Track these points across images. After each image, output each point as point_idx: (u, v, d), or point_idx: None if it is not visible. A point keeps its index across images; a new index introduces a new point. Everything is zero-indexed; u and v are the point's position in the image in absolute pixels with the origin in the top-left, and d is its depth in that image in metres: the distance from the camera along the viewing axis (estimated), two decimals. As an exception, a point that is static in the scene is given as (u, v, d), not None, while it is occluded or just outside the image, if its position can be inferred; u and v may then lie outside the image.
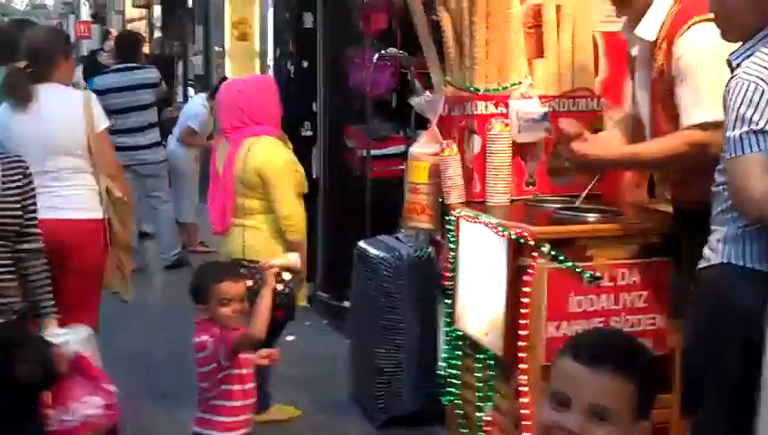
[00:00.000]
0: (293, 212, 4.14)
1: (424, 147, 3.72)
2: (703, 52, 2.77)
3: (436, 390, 4.29)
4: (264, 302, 3.08)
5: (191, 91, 11.79)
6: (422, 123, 6.08)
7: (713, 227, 2.54)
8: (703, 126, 2.76)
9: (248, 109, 4.16)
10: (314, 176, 6.52)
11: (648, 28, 2.95)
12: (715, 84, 2.66)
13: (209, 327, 3.06)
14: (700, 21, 2.78)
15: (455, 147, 3.56)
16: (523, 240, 3.06)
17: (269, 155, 4.11)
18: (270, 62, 7.35)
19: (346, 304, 6.12)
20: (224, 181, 4.18)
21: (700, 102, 2.77)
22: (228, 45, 10.60)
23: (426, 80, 6.16)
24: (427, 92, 3.73)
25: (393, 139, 6.29)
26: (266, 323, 3.07)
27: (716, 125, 2.65)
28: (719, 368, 2.40)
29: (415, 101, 3.75)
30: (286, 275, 3.88)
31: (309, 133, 6.55)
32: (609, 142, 3.22)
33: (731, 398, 2.42)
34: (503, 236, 3.15)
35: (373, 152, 6.05)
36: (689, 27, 2.81)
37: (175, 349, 4.81)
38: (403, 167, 6.20)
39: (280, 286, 3.81)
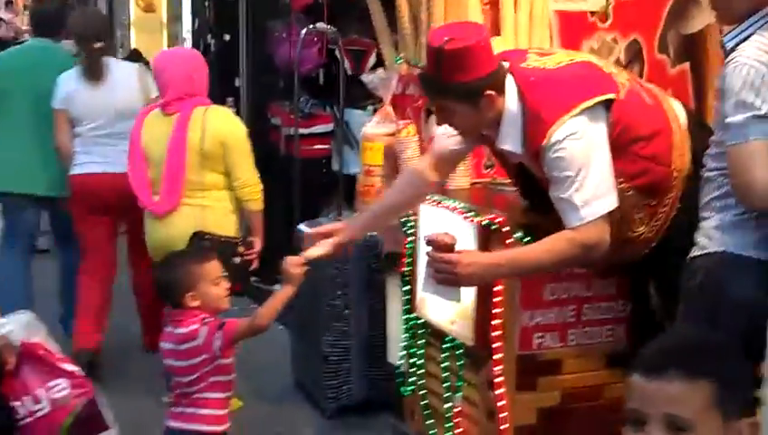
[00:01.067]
0: (255, 181, 4.02)
1: (378, 127, 3.59)
2: (566, 154, 2.57)
3: (386, 378, 4.20)
4: (284, 297, 2.91)
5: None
6: (351, 101, 5.95)
7: (705, 214, 2.48)
8: (586, 225, 2.60)
9: (195, 80, 4.05)
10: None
11: (512, 141, 2.70)
12: (586, 182, 2.57)
13: (193, 315, 2.86)
14: (557, 127, 2.57)
15: (412, 127, 3.43)
16: (495, 226, 2.94)
17: (230, 124, 4.05)
18: (186, 34, 7.03)
19: (276, 287, 5.94)
20: (174, 156, 3.93)
21: (575, 207, 2.59)
22: (133, 16, 10.20)
23: (354, 56, 6.05)
24: (381, 70, 3.57)
25: (320, 117, 6.12)
26: (274, 317, 2.92)
27: (602, 217, 2.58)
28: None
29: (368, 78, 3.59)
30: (242, 249, 3.95)
31: (231, 110, 6.29)
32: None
33: None
34: (473, 221, 3.03)
35: (300, 131, 5.86)
36: (551, 135, 2.57)
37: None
38: (329, 147, 6.09)
39: (237, 260, 3.90)
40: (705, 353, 1.55)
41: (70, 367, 3.00)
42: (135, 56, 8.10)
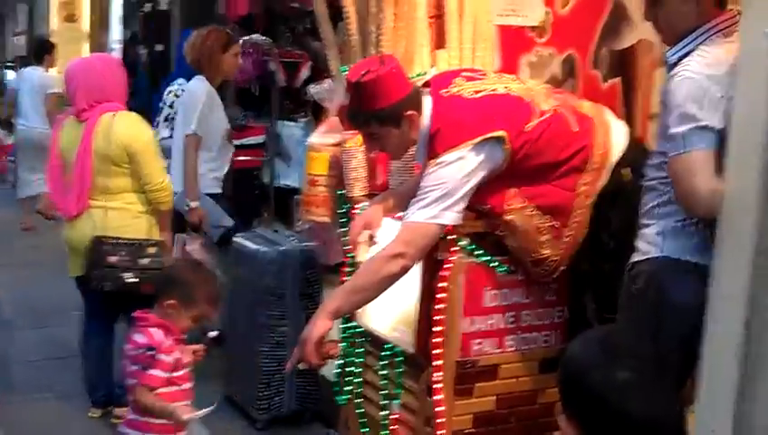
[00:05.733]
0: (166, 184, 4.11)
1: (324, 137, 3.59)
2: (432, 174, 2.82)
3: (318, 389, 4.20)
4: None
5: (9, 73, 11.07)
6: (283, 113, 5.96)
7: (646, 221, 2.57)
8: (399, 235, 2.85)
9: (107, 87, 4.11)
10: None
11: (420, 156, 3.03)
12: (429, 195, 2.79)
13: (159, 325, 2.95)
14: (441, 155, 2.82)
15: (359, 138, 3.43)
16: (442, 235, 2.98)
17: (134, 129, 4.07)
18: (115, 44, 6.96)
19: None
20: (82, 161, 4.03)
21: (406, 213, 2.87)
22: (55, 26, 10.06)
23: (288, 68, 6.08)
24: (328, 81, 3.59)
25: (252, 128, 6.13)
26: None
27: (417, 229, 2.81)
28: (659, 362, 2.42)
29: (315, 89, 3.60)
30: (151, 250, 4.04)
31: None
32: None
33: None
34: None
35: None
36: (434, 162, 2.84)
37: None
38: (261, 158, 6.08)
39: (146, 261, 4.00)
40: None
41: None
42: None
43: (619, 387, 1.71)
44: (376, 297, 2.92)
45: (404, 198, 3.10)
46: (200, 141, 4.73)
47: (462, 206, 2.85)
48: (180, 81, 5.06)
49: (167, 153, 4.97)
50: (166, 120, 5.08)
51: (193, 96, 4.77)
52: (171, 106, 5.06)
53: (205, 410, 2.92)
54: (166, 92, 5.14)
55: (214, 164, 4.91)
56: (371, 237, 3.04)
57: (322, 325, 2.82)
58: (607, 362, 1.75)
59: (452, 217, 2.83)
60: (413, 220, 2.83)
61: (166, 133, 5.05)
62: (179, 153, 4.79)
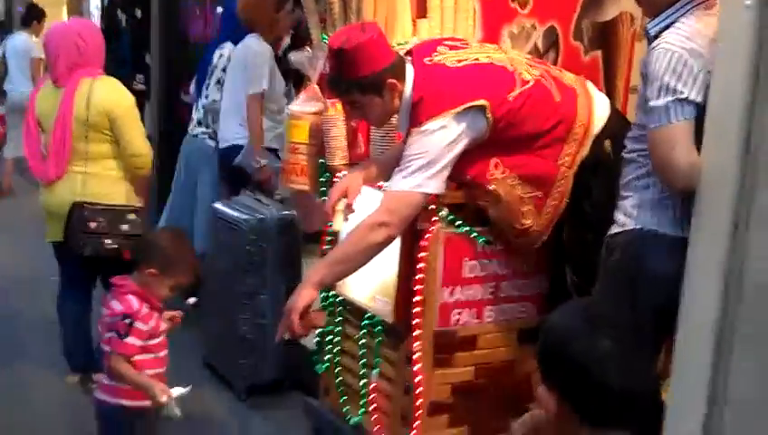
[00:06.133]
0: (146, 150, 4.09)
1: (304, 105, 3.57)
2: (414, 142, 2.82)
3: (298, 357, 4.21)
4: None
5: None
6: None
7: (624, 193, 2.58)
8: (382, 204, 2.86)
9: (85, 52, 4.07)
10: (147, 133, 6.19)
11: (402, 125, 2.99)
12: (412, 163, 2.79)
13: (134, 292, 2.95)
14: (424, 123, 2.82)
15: (339, 106, 3.42)
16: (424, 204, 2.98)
17: (116, 95, 4.05)
18: (95, 9, 6.88)
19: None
20: (62, 126, 3.99)
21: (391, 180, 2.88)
22: (34, -11, 9.93)
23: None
24: (308, 48, 3.57)
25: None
26: None
27: (401, 199, 2.82)
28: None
29: (295, 56, 3.58)
30: (130, 216, 4.04)
31: (142, 87, 6.21)
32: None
33: None
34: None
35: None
36: (416, 129, 2.84)
37: None
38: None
39: (126, 227, 4.00)
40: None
41: None
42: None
43: (600, 357, 1.73)
44: (361, 267, 2.91)
45: (386, 167, 3.09)
46: (264, 99, 4.71)
47: (446, 174, 2.85)
48: (228, 44, 4.98)
49: (216, 116, 4.98)
50: (218, 82, 5.01)
51: (257, 56, 4.70)
52: (224, 70, 4.96)
53: (180, 390, 2.90)
54: (217, 56, 5.04)
55: (277, 121, 4.86)
56: (349, 206, 3.04)
57: (307, 295, 2.82)
58: (589, 332, 1.77)
59: (436, 185, 2.83)
60: (397, 189, 2.84)
61: (217, 96, 4.99)
62: (238, 110, 4.73)
